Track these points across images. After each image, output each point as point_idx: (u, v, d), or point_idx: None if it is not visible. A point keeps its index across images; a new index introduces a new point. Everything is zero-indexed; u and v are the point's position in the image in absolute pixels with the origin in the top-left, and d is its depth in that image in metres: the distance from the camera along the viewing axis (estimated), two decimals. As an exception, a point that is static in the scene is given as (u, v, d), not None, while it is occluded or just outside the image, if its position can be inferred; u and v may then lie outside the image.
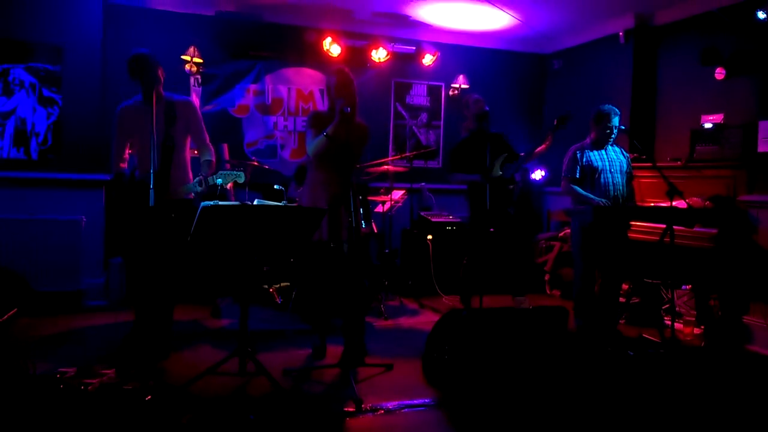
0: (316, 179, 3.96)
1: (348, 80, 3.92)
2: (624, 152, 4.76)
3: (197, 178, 3.81)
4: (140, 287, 3.83)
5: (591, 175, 4.63)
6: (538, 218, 7.32)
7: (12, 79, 5.20)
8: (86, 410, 2.84)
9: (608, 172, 4.61)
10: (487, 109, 5.20)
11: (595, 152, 4.65)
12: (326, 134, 3.78)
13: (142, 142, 3.84)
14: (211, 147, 4.06)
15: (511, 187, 5.30)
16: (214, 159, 4.04)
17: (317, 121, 3.92)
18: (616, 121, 4.59)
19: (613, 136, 4.61)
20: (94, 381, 3.21)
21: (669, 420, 3.16)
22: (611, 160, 4.65)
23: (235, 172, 3.83)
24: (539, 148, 5.14)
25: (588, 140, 4.72)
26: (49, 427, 2.70)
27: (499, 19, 6.37)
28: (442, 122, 7.13)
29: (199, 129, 4.02)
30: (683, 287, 5.00)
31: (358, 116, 3.99)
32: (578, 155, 4.67)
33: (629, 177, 4.73)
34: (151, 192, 3.33)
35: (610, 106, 4.64)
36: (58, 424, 2.73)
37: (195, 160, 4.08)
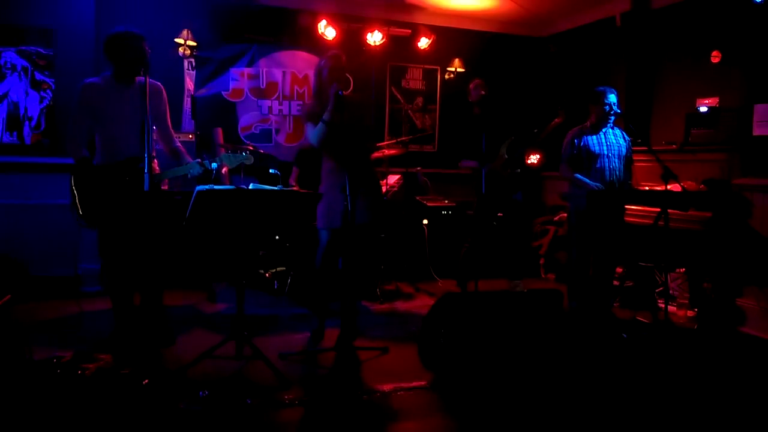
0: (328, 167, 3.96)
1: (340, 63, 3.91)
2: (625, 136, 4.72)
3: (196, 160, 3.70)
4: (120, 277, 3.71)
5: (588, 159, 4.62)
6: (540, 202, 7.31)
7: (4, 63, 5.15)
8: (83, 395, 2.85)
9: (605, 157, 4.60)
10: (484, 93, 5.18)
11: (594, 137, 4.63)
12: (324, 120, 3.76)
13: (111, 124, 3.63)
14: (173, 133, 3.92)
15: (518, 171, 5.29)
16: (180, 145, 3.91)
17: (310, 114, 3.91)
18: (613, 98, 4.55)
19: (612, 115, 4.56)
20: (91, 366, 3.21)
21: (662, 401, 3.20)
22: (610, 144, 4.63)
23: (241, 156, 3.66)
24: (550, 125, 5.08)
25: (588, 123, 4.70)
26: (46, 412, 2.71)
27: (495, 2, 6.33)
28: (437, 106, 7.10)
29: (166, 116, 3.85)
30: (677, 270, 5.03)
31: (354, 93, 3.97)
32: (575, 141, 4.65)
33: (628, 161, 4.71)
34: (146, 176, 3.29)
35: (606, 86, 4.64)
36: (55, 409, 2.74)
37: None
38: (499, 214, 5.30)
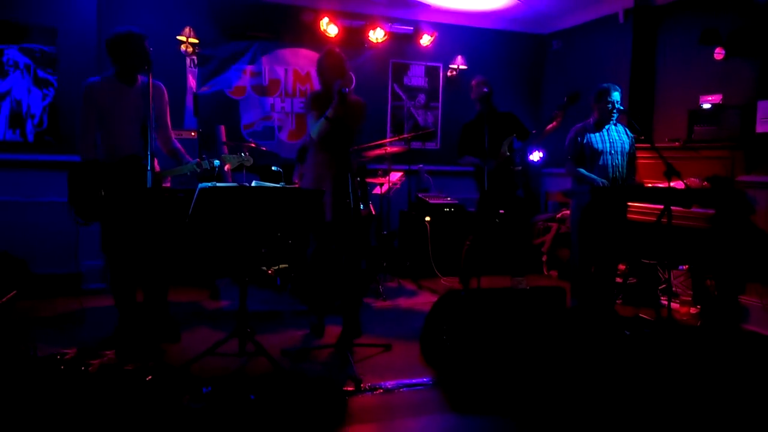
0: (320, 160, 3.96)
1: (341, 60, 3.91)
2: (628, 132, 4.73)
3: (195, 160, 3.75)
4: (123, 273, 3.74)
5: (591, 156, 4.62)
6: (536, 200, 7.32)
7: (6, 60, 5.15)
8: (87, 391, 2.86)
9: (608, 153, 4.60)
10: (486, 90, 5.16)
11: (597, 134, 4.64)
12: (326, 117, 3.77)
13: (114, 123, 3.66)
14: (173, 134, 3.94)
15: (519, 168, 5.28)
16: (179, 145, 3.95)
17: (317, 102, 3.91)
18: (616, 95, 4.56)
19: (615, 112, 4.57)
20: (94, 362, 3.22)
21: (665, 398, 3.19)
22: (612, 141, 4.63)
23: (241, 156, 3.77)
24: (549, 126, 5.07)
25: (591, 120, 4.71)
26: (50, 408, 2.72)
27: (498, -1, 6.32)
28: (440, 103, 7.09)
29: (166, 116, 3.87)
30: (680, 267, 5.02)
31: (355, 96, 3.98)
32: (579, 138, 4.66)
33: (631, 158, 4.71)
34: (149, 174, 3.30)
35: (610, 83, 4.64)
36: (59, 405, 2.75)
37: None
38: (500, 211, 5.29)
